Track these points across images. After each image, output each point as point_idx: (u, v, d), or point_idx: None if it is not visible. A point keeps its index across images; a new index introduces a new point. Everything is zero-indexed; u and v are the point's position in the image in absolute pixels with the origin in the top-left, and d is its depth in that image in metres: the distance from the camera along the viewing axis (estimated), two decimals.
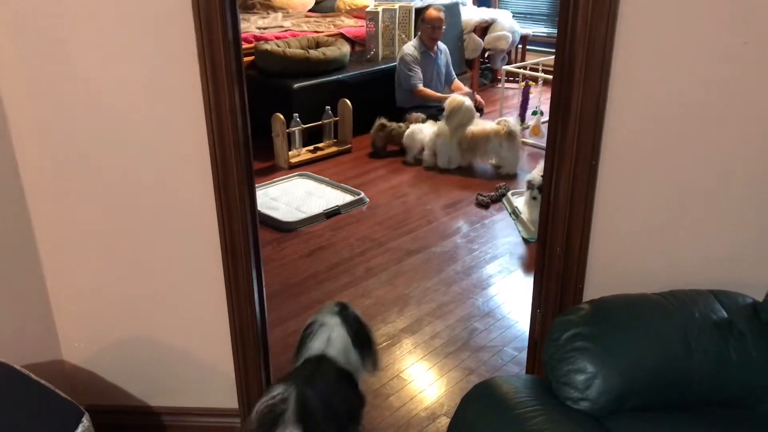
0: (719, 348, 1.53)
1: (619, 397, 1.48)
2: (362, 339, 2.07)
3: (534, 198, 3.51)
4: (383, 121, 4.80)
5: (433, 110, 4.92)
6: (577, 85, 1.70)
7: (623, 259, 1.85)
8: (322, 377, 1.89)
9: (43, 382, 1.63)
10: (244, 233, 1.90)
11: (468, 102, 4.48)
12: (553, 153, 1.85)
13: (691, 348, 1.51)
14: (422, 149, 4.63)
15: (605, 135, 1.72)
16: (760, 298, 1.63)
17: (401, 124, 4.81)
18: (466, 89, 5.39)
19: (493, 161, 4.58)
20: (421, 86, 5.05)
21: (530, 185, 3.60)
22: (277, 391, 1.76)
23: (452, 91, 5.34)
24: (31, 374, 1.64)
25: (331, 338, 1.99)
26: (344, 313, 2.07)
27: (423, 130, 4.65)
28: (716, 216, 1.78)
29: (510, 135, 4.37)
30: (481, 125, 4.52)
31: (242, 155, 1.84)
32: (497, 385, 1.56)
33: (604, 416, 1.48)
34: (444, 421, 2.23)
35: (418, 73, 5.04)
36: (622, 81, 1.67)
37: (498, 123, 4.49)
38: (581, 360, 1.49)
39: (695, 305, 1.58)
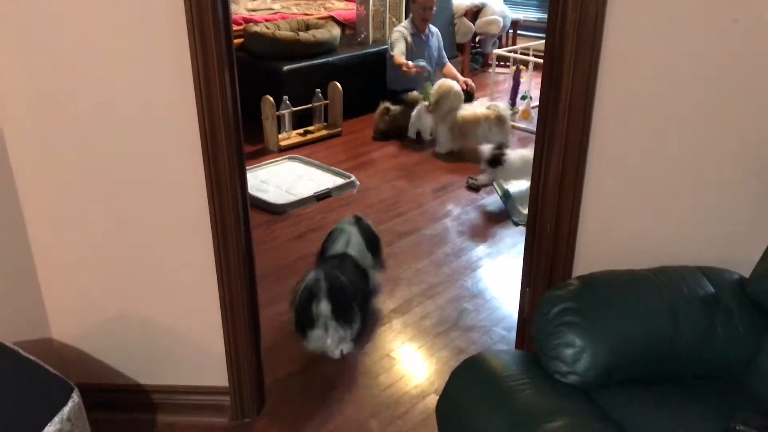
0: (706, 323, 1.55)
1: (607, 370, 1.49)
2: (373, 244, 2.72)
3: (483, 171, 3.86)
4: (387, 104, 4.78)
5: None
6: (567, 65, 1.70)
7: (612, 237, 1.86)
8: (344, 268, 2.51)
9: (32, 357, 1.62)
10: (235, 212, 1.90)
11: (456, 86, 4.47)
12: (543, 133, 1.85)
13: (679, 323, 1.53)
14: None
15: (595, 115, 1.73)
16: (747, 275, 1.65)
17: (401, 106, 4.80)
18: (458, 74, 5.36)
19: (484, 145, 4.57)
20: (399, 55, 4.96)
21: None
22: (311, 275, 2.40)
23: (444, 76, 5.33)
24: (20, 350, 1.63)
25: (349, 241, 2.63)
26: (360, 222, 2.72)
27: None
28: (705, 194, 1.79)
29: (499, 119, 4.38)
30: (471, 110, 4.52)
31: (232, 135, 1.83)
32: (486, 359, 1.57)
33: (592, 389, 1.49)
34: (433, 399, 2.25)
35: (401, 45, 4.99)
36: (613, 61, 1.67)
37: (488, 108, 4.49)
38: (570, 334, 1.50)
39: (683, 281, 1.60)
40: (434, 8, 5.13)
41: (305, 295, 2.40)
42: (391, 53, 5.03)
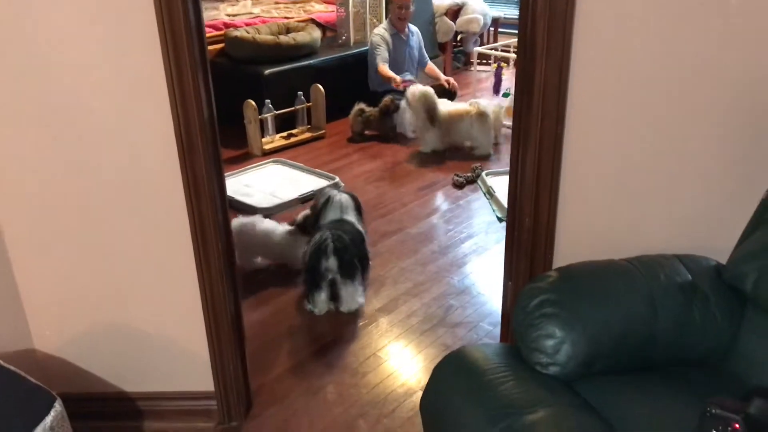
0: (684, 310, 1.56)
1: (587, 360, 1.50)
2: (360, 208, 3.01)
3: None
4: (362, 106, 4.80)
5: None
6: (540, 55, 1.71)
7: (591, 227, 1.88)
8: (345, 230, 2.78)
9: (12, 368, 1.61)
10: (214, 216, 1.89)
11: (428, 89, 4.47)
12: (519, 126, 1.86)
13: (657, 311, 1.54)
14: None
15: (569, 104, 1.74)
16: (724, 262, 1.66)
17: (377, 108, 4.80)
18: (439, 73, 5.38)
19: (468, 142, 4.59)
20: (383, 65, 5.00)
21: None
22: (319, 236, 2.70)
23: (426, 75, 5.35)
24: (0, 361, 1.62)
25: (343, 206, 2.91)
26: (346, 191, 3.04)
27: None
28: (681, 182, 1.80)
29: (481, 116, 4.39)
30: (453, 107, 4.53)
31: (209, 140, 1.83)
32: (468, 353, 1.58)
33: (573, 380, 1.50)
34: (420, 396, 2.25)
35: (384, 52, 5.02)
36: (584, 49, 1.68)
37: (469, 104, 4.51)
38: (549, 325, 1.51)
39: (661, 269, 1.61)
40: (411, 7, 5.13)
41: (315, 253, 2.68)
42: (375, 63, 5.04)
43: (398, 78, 4.94)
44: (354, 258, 2.75)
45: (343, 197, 2.95)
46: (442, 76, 5.32)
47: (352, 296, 2.75)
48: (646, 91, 1.72)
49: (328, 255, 2.67)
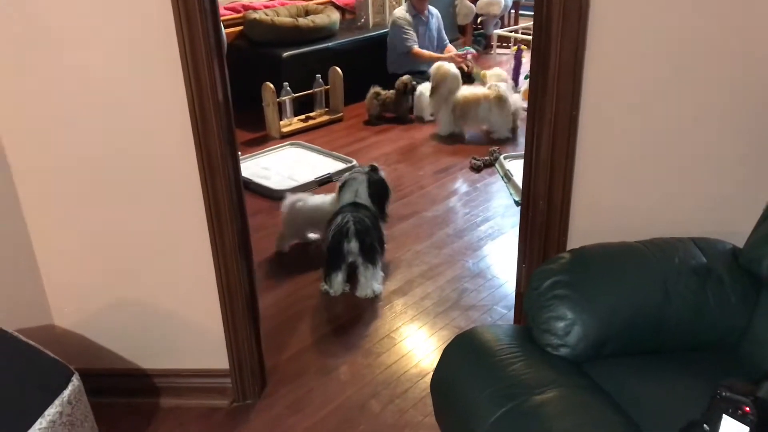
0: (697, 293, 1.55)
1: (597, 342, 1.50)
2: (380, 195, 2.94)
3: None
4: (377, 89, 4.79)
5: (426, 75, 4.88)
6: (555, 36, 1.69)
7: (605, 210, 1.86)
8: (362, 214, 2.80)
9: (31, 342, 1.64)
10: (228, 196, 1.91)
11: (454, 69, 4.46)
12: (534, 106, 1.85)
13: (669, 294, 1.53)
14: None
15: (584, 85, 1.72)
16: (741, 246, 1.64)
17: (393, 90, 4.79)
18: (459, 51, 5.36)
19: (485, 126, 4.56)
20: (417, 48, 5.02)
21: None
22: (340, 219, 2.73)
23: None
24: (19, 335, 1.66)
25: (358, 191, 2.88)
26: (371, 173, 2.95)
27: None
28: (697, 165, 1.78)
29: (499, 99, 4.36)
30: (471, 90, 4.50)
31: (223, 120, 1.84)
32: (478, 333, 1.58)
33: (583, 362, 1.50)
34: None
35: (413, 35, 5.01)
36: (600, 29, 1.66)
37: (488, 88, 4.48)
38: (561, 307, 1.50)
39: (675, 252, 1.60)
40: None
41: (336, 235, 2.71)
42: (404, 46, 5.02)
43: (457, 53, 5.02)
44: (374, 241, 2.77)
45: (361, 185, 2.89)
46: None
47: (371, 282, 2.76)
48: (663, 73, 1.69)
49: (350, 237, 2.69)
